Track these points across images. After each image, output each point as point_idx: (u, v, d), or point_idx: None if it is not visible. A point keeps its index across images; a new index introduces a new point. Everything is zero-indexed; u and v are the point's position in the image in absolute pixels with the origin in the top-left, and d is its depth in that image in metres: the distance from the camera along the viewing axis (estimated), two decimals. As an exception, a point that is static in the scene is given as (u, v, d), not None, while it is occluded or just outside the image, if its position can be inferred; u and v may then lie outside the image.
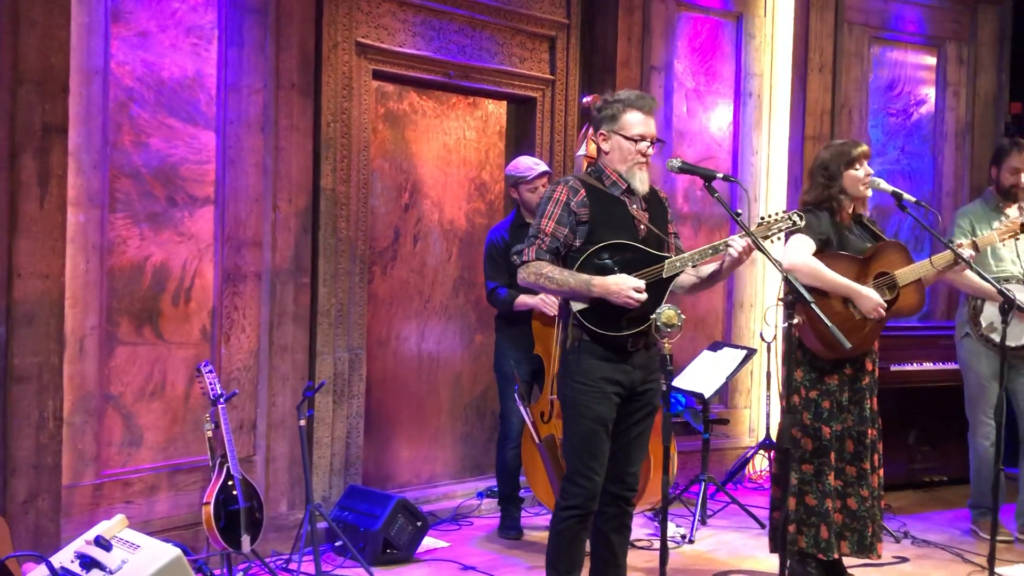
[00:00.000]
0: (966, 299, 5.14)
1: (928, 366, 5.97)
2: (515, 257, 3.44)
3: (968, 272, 4.17)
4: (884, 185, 4.12)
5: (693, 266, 3.41)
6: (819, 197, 4.14)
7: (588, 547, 3.64)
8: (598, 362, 3.40)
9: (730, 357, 5.33)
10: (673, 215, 3.65)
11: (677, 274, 3.39)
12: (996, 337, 4.91)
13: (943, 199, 6.73)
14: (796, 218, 3.42)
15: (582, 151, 4.48)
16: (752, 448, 6.10)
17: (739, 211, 3.37)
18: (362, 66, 4.90)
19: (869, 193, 4.15)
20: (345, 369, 4.88)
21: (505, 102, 5.70)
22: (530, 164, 4.88)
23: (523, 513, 5.11)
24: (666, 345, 3.21)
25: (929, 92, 6.81)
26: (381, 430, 5.24)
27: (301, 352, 4.68)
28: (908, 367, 5.94)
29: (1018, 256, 5.08)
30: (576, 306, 3.36)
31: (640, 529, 5.18)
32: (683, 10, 6.08)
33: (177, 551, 2.50)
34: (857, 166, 4.10)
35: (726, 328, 6.27)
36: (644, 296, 3.30)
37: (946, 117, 6.80)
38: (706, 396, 5.18)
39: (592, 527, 3.61)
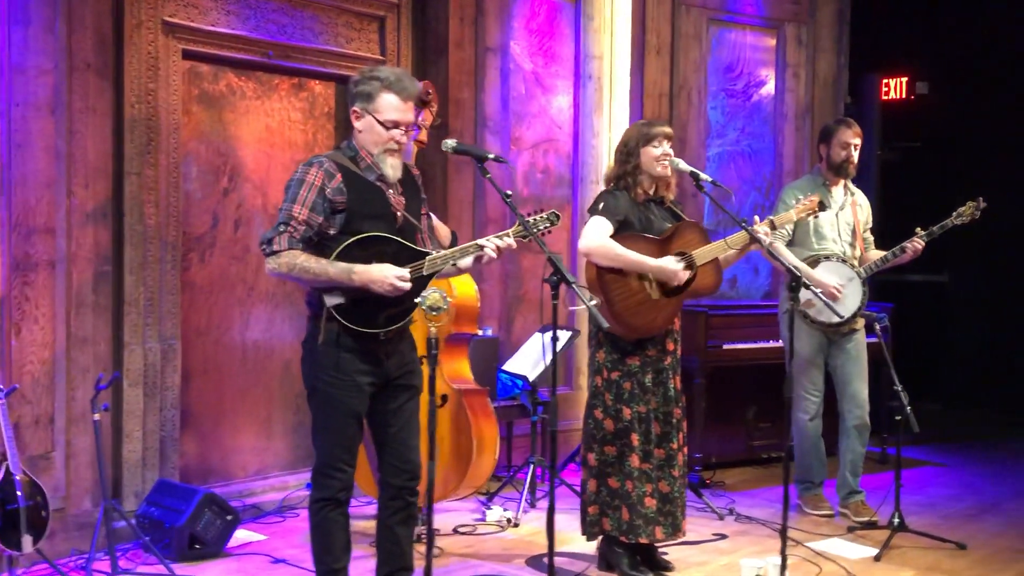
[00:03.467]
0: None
1: (763, 344, 6.05)
2: (264, 246, 3.25)
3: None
4: (682, 165, 4.13)
5: (454, 265, 3.35)
6: (617, 173, 4.16)
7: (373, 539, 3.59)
8: (350, 355, 3.30)
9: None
10: (425, 196, 3.58)
11: (437, 271, 3.32)
12: (812, 314, 5.00)
13: (784, 179, 6.81)
14: (553, 218, 3.37)
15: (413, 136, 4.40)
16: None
17: (509, 192, 3.32)
18: (170, 46, 4.73)
19: (668, 172, 4.16)
20: (157, 360, 4.73)
21: (333, 83, 5.57)
22: None
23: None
24: (432, 329, 3.16)
25: (769, 73, 6.89)
26: (203, 422, 5.10)
27: (104, 343, 4.51)
28: (742, 345, 6.01)
29: (839, 235, 5.17)
30: (331, 301, 3.23)
31: (470, 514, 5.15)
32: (518, -10, 6.02)
33: None
34: (656, 144, 4.10)
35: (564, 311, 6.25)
36: (409, 285, 3.22)
37: (786, 98, 6.88)
38: (530, 379, 5.15)
39: (378, 521, 3.57)
